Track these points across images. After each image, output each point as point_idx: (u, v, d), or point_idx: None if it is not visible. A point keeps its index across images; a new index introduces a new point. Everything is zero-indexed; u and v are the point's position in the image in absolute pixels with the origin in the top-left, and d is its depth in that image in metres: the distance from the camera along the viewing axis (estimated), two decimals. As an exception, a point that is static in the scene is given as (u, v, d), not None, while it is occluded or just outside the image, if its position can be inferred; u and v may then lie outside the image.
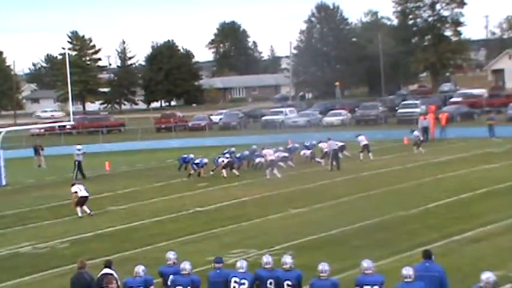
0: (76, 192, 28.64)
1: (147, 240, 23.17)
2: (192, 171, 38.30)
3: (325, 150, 40.02)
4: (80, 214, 28.31)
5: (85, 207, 28.55)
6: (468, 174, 33.72)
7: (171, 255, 14.30)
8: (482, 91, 79.99)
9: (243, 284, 13.21)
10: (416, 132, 44.59)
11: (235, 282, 13.25)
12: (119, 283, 13.66)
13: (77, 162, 41.08)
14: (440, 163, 38.37)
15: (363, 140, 41.93)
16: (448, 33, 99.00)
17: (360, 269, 12.88)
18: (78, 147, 42.29)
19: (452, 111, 61.97)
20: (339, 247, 20.46)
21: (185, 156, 40.07)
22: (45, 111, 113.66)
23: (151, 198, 32.14)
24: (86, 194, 28.80)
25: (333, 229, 22.92)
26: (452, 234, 21.40)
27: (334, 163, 37.88)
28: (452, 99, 72.96)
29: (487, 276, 11.64)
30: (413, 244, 20.19)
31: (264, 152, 38.26)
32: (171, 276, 13.76)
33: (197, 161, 38.59)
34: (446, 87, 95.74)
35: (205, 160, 38.68)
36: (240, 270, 13.37)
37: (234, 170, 37.97)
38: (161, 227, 25.43)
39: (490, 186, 29.51)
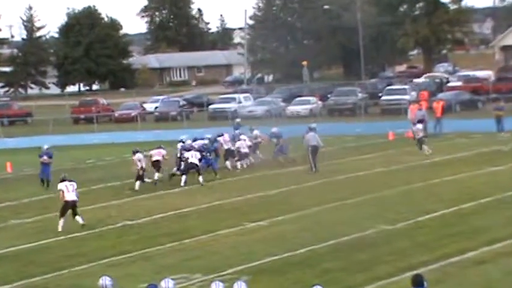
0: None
1: (61, 263, 23.03)
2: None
3: (244, 151, 39.93)
4: (-27, 229, 28.06)
5: (-20, 221, 28.30)
6: (470, 178, 33.97)
7: (107, 281, 14.23)
8: (488, 73, 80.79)
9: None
10: (419, 126, 43.47)
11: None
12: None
13: None
14: (434, 164, 38.64)
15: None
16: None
17: None
18: None
19: (450, 98, 62.46)
20: (306, 270, 20.51)
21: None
22: None
23: (67, 209, 31.92)
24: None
25: (299, 248, 22.99)
26: (449, 255, 21.56)
27: (313, 162, 37.78)
28: (450, 84, 73.62)
29: None
30: (400, 267, 20.31)
31: (221, 139, 39.09)
32: None
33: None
34: (442, 68, 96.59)
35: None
36: None
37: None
38: (80, 246, 25.29)
39: (497, 194, 29.72)
